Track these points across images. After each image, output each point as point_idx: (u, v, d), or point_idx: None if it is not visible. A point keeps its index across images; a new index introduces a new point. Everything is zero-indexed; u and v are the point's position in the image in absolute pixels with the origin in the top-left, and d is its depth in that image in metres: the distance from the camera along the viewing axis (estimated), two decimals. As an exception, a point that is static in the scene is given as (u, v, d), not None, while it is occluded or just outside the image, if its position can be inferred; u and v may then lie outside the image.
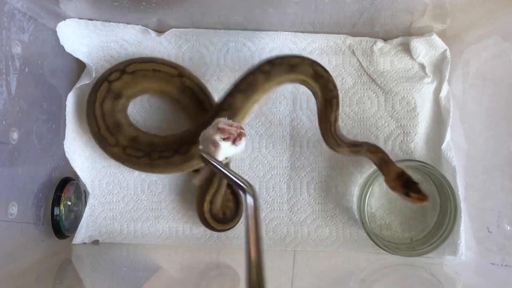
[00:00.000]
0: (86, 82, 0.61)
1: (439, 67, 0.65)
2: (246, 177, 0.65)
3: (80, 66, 0.65)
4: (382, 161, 0.56)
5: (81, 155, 0.64)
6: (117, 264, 0.61)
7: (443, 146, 0.63)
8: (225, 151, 0.48)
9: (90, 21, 0.61)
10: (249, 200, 0.41)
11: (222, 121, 0.49)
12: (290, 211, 0.66)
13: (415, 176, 0.62)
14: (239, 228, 0.64)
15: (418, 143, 0.65)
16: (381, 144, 0.65)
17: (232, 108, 0.57)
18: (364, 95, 0.66)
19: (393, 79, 0.65)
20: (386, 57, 0.66)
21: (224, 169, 0.46)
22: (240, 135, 0.48)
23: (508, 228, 0.53)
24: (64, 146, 0.61)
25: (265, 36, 0.65)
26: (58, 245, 0.61)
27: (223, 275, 0.60)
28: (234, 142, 0.48)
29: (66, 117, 0.62)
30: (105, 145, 0.60)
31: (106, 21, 0.62)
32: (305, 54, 0.65)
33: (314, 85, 0.57)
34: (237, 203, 0.64)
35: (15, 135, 0.51)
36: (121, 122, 0.61)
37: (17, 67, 0.51)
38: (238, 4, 0.55)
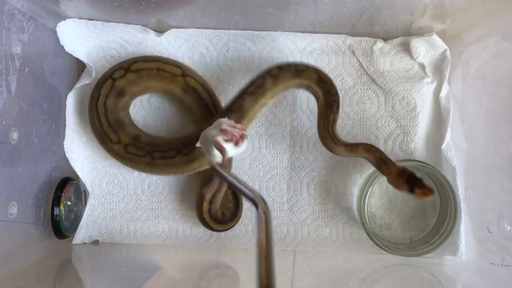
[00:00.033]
0: (86, 82, 0.61)
1: (439, 67, 0.65)
2: (246, 177, 0.66)
3: (80, 66, 0.65)
4: (380, 160, 0.56)
5: (81, 155, 0.64)
6: (117, 264, 0.61)
7: (443, 146, 0.63)
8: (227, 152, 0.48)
9: (90, 21, 0.61)
10: (261, 213, 0.39)
11: (225, 122, 0.48)
12: (290, 211, 0.65)
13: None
14: (239, 228, 0.64)
15: (418, 143, 0.65)
16: (381, 144, 0.65)
17: (241, 110, 0.57)
18: (364, 95, 0.66)
19: (393, 79, 0.65)
20: (386, 57, 0.65)
21: (236, 181, 0.45)
22: (242, 137, 0.48)
23: (508, 228, 0.53)
24: (64, 146, 0.61)
25: (265, 36, 0.65)
26: (58, 245, 0.61)
27: (223, 275, 0.60)
28: (236, 143, 0.48)
29: (66, 117, 0.61)
30: (106, 142, 0.59)
31: (106, 21, 0.62)
32: (305, 54, 0.65)
33: (317, 90, 0.58)
34: (237, 205, 0.64)
35: (15, 135, 0.51)
36: (124, 120, 0.61)
37: (17, 67, 0.51)
38: (238, 4, 0.55)
